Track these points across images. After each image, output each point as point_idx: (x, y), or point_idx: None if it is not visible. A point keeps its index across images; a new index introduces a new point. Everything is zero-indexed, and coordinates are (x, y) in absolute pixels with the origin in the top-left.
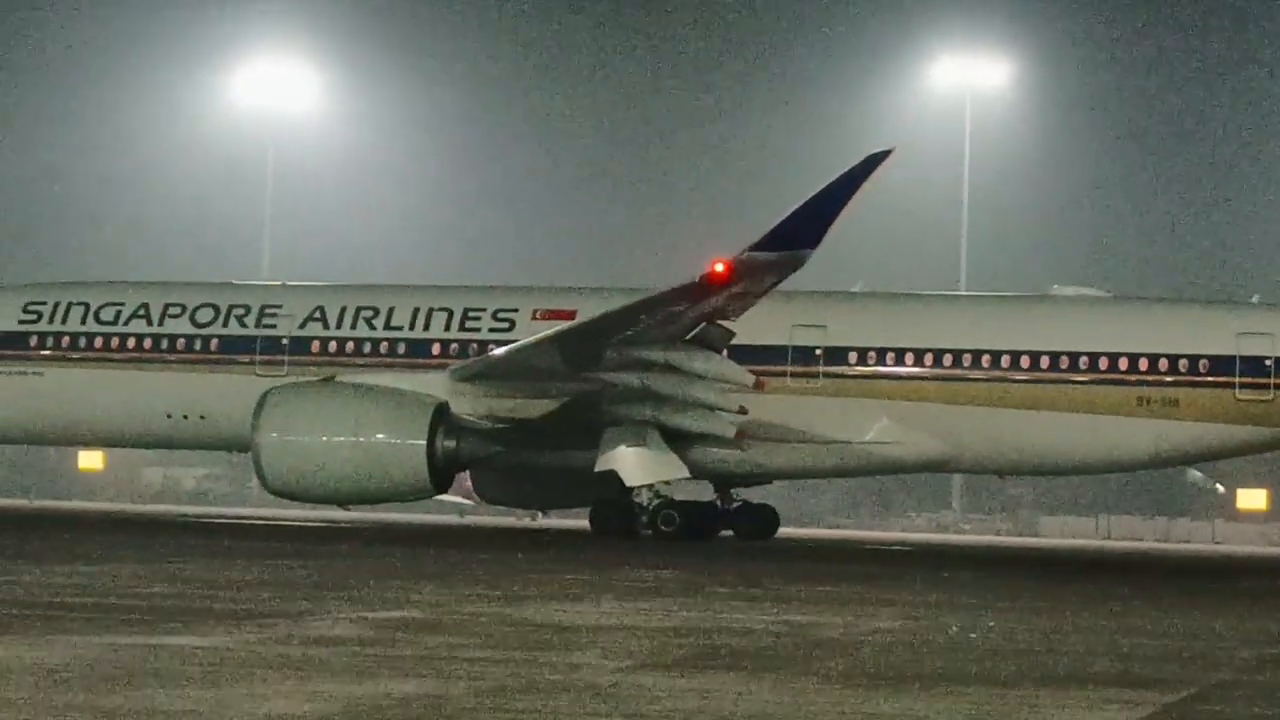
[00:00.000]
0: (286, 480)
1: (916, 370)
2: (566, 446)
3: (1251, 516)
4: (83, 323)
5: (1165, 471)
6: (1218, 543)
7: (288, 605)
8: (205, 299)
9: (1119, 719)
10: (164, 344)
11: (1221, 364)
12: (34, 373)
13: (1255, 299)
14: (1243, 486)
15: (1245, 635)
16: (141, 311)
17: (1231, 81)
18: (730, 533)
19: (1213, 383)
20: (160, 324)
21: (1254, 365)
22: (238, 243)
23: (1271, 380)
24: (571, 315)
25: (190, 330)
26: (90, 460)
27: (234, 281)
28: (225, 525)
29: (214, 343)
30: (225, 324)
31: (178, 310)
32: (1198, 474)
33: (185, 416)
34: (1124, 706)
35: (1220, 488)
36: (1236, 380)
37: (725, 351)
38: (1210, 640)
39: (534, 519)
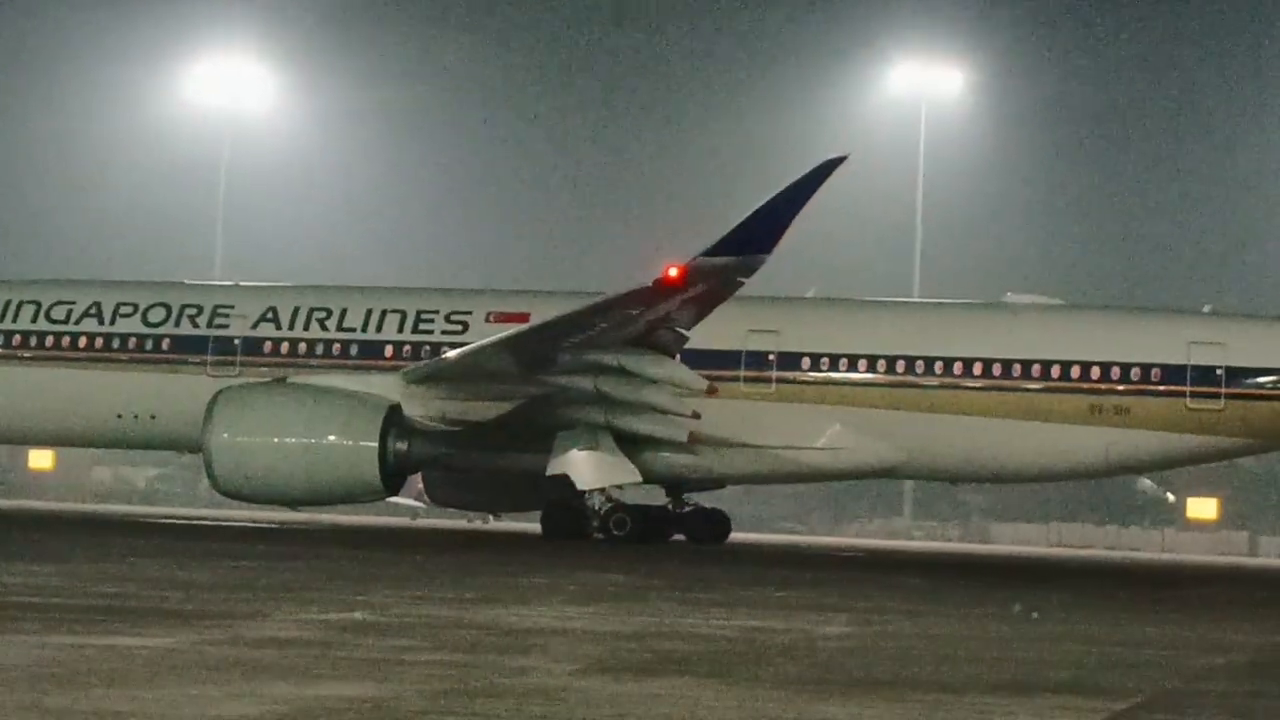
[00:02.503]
0: (237, 481)
1: (869, 376)
2: (519, 449)
3: (1201, 525)
4: (33, 321)
5: (1116, 480)
6: (1167, 551)
7: (237, 606)
8: (157, 299)
9: None
10: (115, 343)
11: (1173, 373)
12: None
13: (1207, 309)
14: (1193, 495)
15: (1194, 644)
16: (93, 310)
17: (1185, 92)
18: (682, 537)
19: (1164, 391)
20: (112, 323)
21: (1205, 374)
22: (190, 242)
23: (1223, 390)
24: (525, 318)
25: (142, 330)
26: (40, 459)
27: (186, 281)
28: (175, 526)
29: (165, 342)
30: (177, 324)
31: (129, 309)
32: (1148, 482)
33: (136, 416)
34: (1074, 713)
35: (1170, 496)
36: (1188, 389)
37: (678, 356)
38: (1159, 648)
39: (485, 522)
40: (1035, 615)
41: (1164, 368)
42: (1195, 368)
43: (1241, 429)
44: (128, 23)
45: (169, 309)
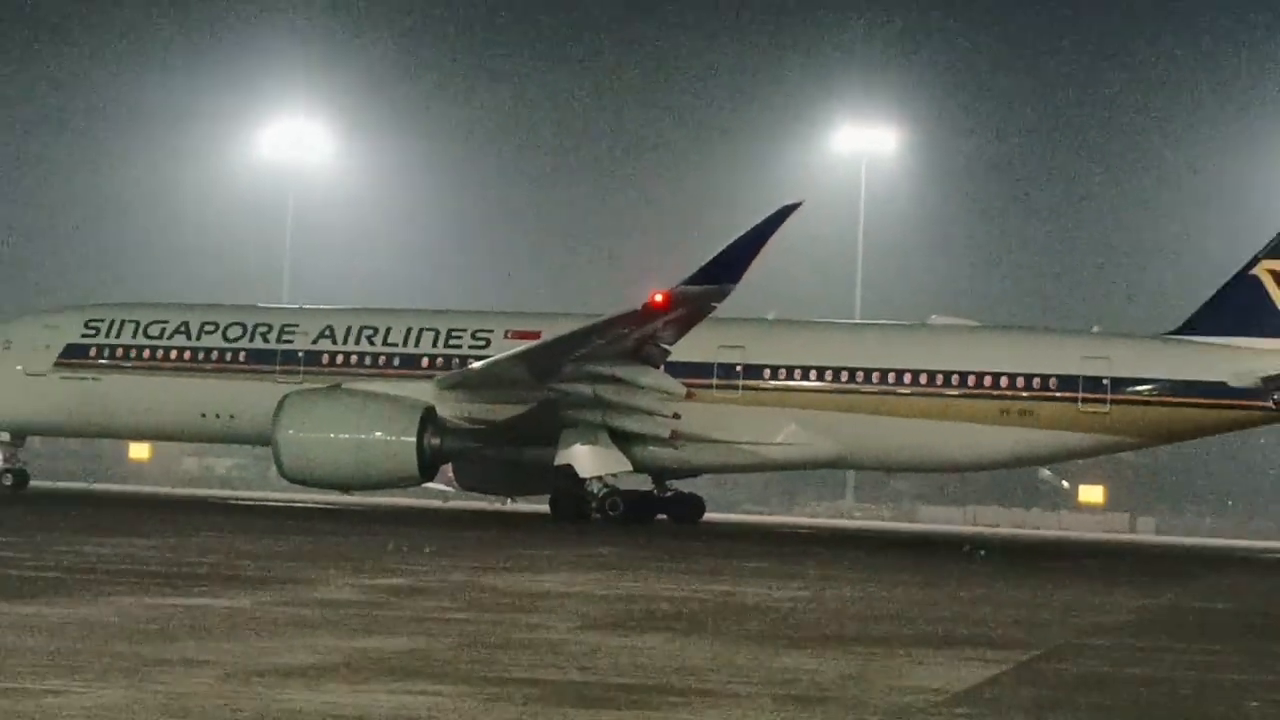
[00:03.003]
0: (300, 469)
1: (819, 384)
2: (531, 444)
3: (1090, 509)
4: (134, 337)
5: (1021, 470)
6: (1062, 529)
7: (298, 573)
8: (235, 319)
9: (979, 674)
10: (200, 356)
11: (1068, 382)
12: (93, 378)
13: (1095, 329)
14: (1084, 483)
15: (1084, 606)
16: (182, 328)
17: (1079, 149)
18: (664, 517)
19: (1061, 397)
20: (198, 339)
21: (1094, 383)
22: (263, 273)
23: (1108, 396)
24: (537, 335)
25: (222, 344)
26: (139, 451)
27: (259, 304)
28: (250, 506)
29: (242, 355)
30: (251, 339)
31: (212, 328)
32: (1047, 472)
33: (218, 415)
34: (984, 664)
35: (1065, 484)
36: (1080, 395)
37: (662, 367)
38: (1055, 610)
39: (504, 504)
40: (982, 554)
41: (1060, 378)
42: (1086, 378)
43: (1124, 428)
44: (207, 88)
45: (245, 327)
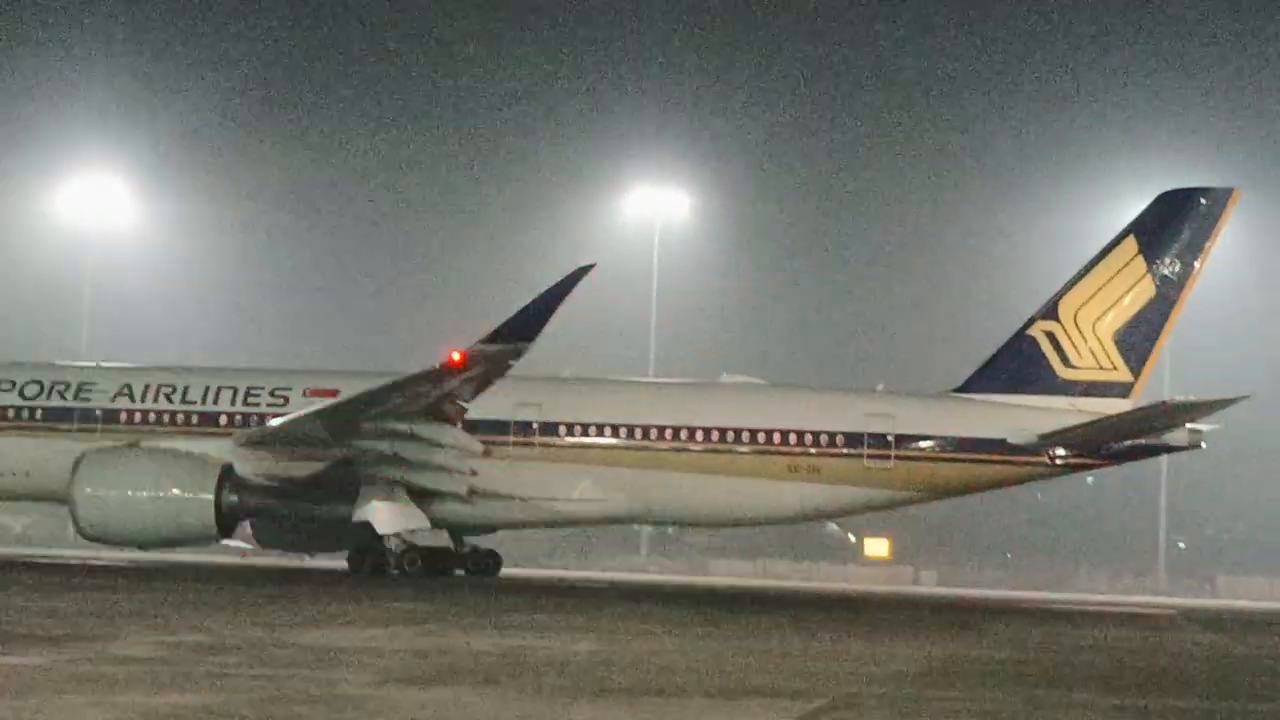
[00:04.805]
0: (97, 527)
1: (614, 441)
2: (330, 501)
3: (876, 561)
4: None
5: (809, 524)
6: (849, 582)
7: (97, 630)
8: (32, 376)
9: None
10: None
11: (853, 439)
12: None
13: (880, 387)
14: (870, 536)
15: (871, 657)
16: None
17: (856, 214)
18: (462, 572)
19: (846, 454)
20: None
21: (878, 439)
22: (61, 331)
23: (892, 452)
24: (335, 393)
25: (19, 402)
26: None
27: (55, 362)
28: (47, 564)
29: (39, 412)
30: (49, 397)
31: (8, 385)
32: (834, 526)
33: (14, 473)
34: (776, 713)
35: (852, 537)
36: (865, 452)
37: (460, 424)
38: (844, 661)
39: (303, 561)
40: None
41: (846, 434)
42: (871, 434)
43: (907, 483)
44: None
45: (42, 384)
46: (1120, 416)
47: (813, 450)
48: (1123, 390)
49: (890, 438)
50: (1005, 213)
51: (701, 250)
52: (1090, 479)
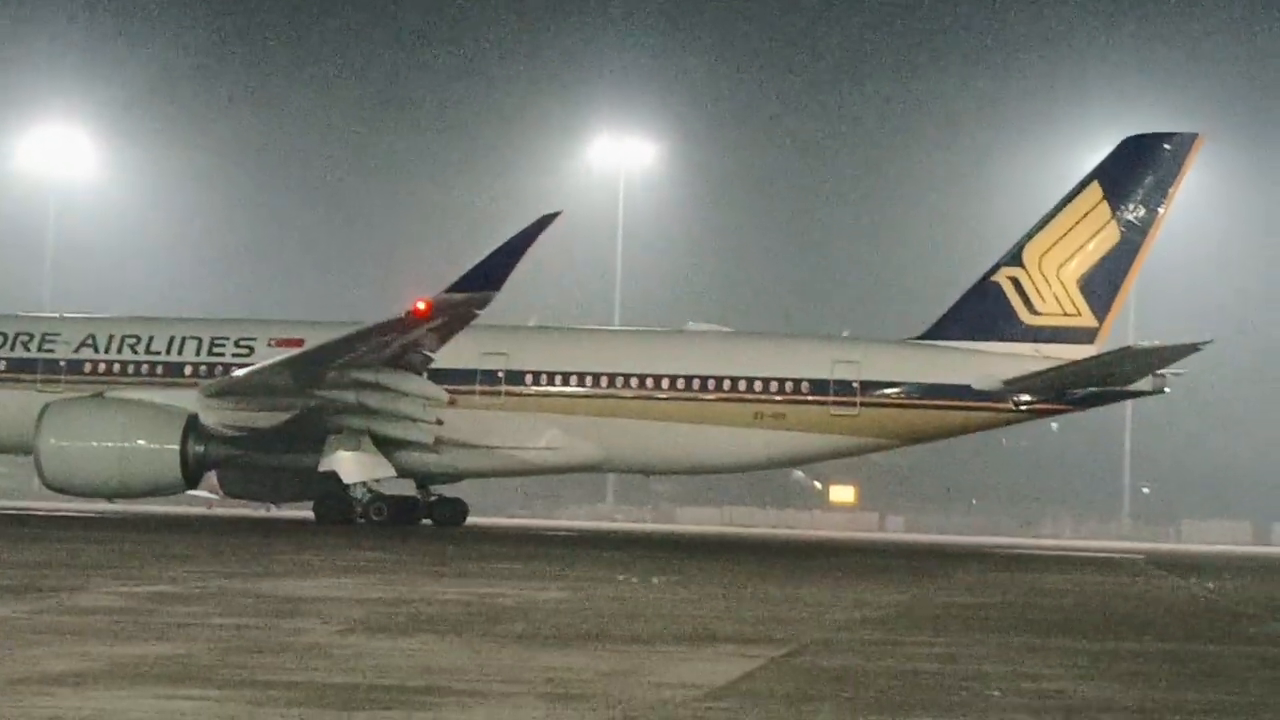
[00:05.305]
0: (62, 478)
1: (579, 390)
2: (295, 450)
3: (841, 508)
4: None
5: (774, 471)
6: (815, 529)
7: (61, 581)
8: None
9: (736, 669)
10: None
11: (819, 385)
12: None
13: (845, 333)
14: (835, 483)
15: (835, 602)
16: None
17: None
18: (429, 521)
19: (812, 400)
20: None
21: (844, 386)
22: (23, 281)
23: (858, 399)
24: (300, 343)
25: None
26: None
27: (19, 313)
28: (12, 516)
29: (2, 364)
30: (13, 348)
31: None
32: (800, 473)
33: None
34: (741, 659)
35: (818, 484)
36: (831, 399)
37: (425, 374)
38: (809, 607)
39: (268, 510)
40: (656, 580)
41: (812, 381)
42: (837, 381)
43: (873, 430)
44: None
45: (5, 336)
46: (1084, 362)
47: (778, 398)
48: (1087, 336)
49: (856, 384)
50: (970, 159)
51: (667, 198)
52: (1055, 424)
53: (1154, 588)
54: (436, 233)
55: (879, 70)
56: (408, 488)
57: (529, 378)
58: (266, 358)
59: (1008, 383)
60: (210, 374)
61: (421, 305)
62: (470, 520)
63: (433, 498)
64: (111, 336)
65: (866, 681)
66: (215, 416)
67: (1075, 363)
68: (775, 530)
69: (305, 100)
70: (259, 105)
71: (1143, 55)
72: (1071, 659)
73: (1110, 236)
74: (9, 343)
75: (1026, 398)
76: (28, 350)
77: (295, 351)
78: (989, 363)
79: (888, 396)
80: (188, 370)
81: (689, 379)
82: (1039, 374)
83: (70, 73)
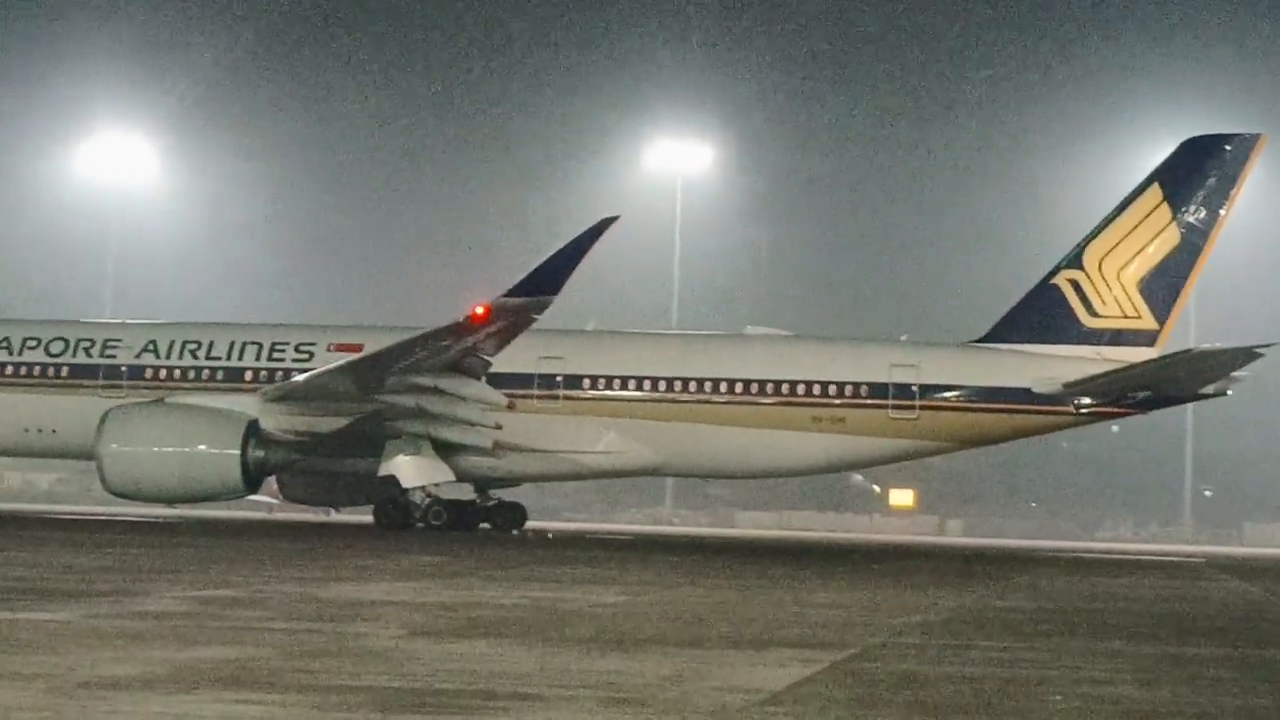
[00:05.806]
0: (124, 484)
1: (637, 394)
2: (355, 455)
3: (901, 512)
4: None
5: (833, 475)
6: (874, 533)
7: (124, 585)
8: (57, 334)
9: (797, 673)
10: (23, 370)
11: (878, 389)
12: None
13: (904, 338)
14: (895, 487)
15: (896, 606)
16: (4, 343)
17: (881, 164)
18: (487, 525)
19: (871, 404)
20: (20, 354)
21: (903, 390)
22: (85, 288)
23: (917, 402)
24: (360, 348)
25: (44, 359)
26: None
27: (81, 319)
28: (73, 520)
29: (65, 370)
30: (74, 354)
31: (34, 343)
32: (859, 477)
33: (40, 430)
34: (801, 664)
35: (876, 488)
36: (890, 402)
37: (484, 378)
38: (869, 611)
39: (328, 515)
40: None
41: (871, 385)
42: (895, 385)
43: (931, 434)
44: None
45: (68, 342)
46: (1145, 365)
47: (837, 401)
48: (1148, 338)
49: (915, 388)
50: (1031, 161)
51: (725, 202)
52: (1115, 428)
53: (1216, 591)
54: (495, 238)
55: (938, 74)
56: (466, 492)
57: (587, 382)
58: (326, 363)
59: (1068, 386)
60: (270, 379)
61: (480, 310)
62: (528, 524)
63: (491, 502)
64: (172, 342)
65: (927, 686)
66: (275, 421)
67: (1136, 365)
68: (834, 534)
69: (365, 106)
70: (318, 111)
71: (1205, 55)
72: (1133, 664)
73: (1171, 238)
74: (71, 349)
75: (1087, 401)
76: (89, 356)
77: (355, 356)
78: (1049, 366)
79: (947, 400)
80: (248, 375)
81: (747, 383)
82: (1099, 377)
83: (130, 79)
